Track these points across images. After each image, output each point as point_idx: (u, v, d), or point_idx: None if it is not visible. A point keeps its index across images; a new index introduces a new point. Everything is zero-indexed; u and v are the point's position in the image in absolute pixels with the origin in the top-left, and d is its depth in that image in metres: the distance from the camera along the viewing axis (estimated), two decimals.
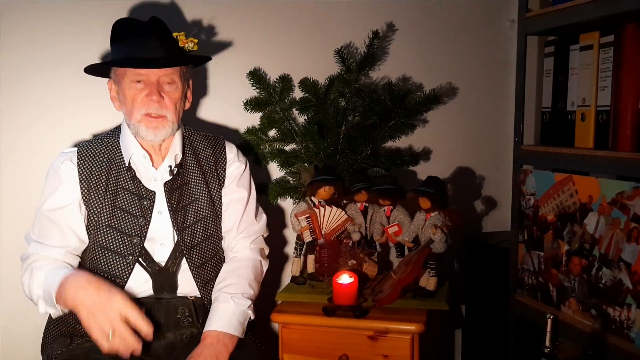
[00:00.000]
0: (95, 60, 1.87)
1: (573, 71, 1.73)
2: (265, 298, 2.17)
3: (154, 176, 1.66)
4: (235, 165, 1.78)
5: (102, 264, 1.60)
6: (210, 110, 2.09)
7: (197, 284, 1.66)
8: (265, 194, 2.04)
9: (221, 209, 1.74)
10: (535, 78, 2.27)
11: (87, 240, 1.63)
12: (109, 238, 1.61)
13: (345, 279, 1.73)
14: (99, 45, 1.89)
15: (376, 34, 2.00)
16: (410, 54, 2.24)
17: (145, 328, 1.45)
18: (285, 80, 2.06)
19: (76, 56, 1.90)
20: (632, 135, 1.56)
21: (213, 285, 1.69)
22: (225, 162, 1.76)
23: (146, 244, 1.62)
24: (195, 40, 1.70)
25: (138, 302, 1.58)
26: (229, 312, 1.61)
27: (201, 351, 1.53)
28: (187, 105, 1.73)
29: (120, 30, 1.62)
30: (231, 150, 1.80)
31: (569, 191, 1.69)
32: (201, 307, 1.67)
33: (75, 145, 1.70)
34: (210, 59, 1.79)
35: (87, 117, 1.95)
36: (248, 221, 1.79)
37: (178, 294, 1.64)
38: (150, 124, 1.60)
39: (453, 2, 2.27)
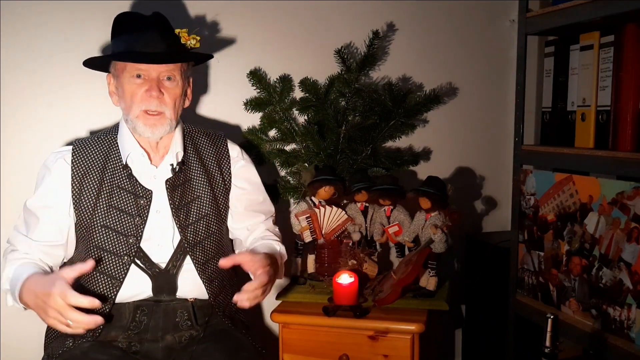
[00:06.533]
0: (95, 54, 1.86)
1: (573, 71, 1.73)
2: (265, 298, 2.17)
3: (154, 174, 1.64)
4: (241, 163, 1.77)
5: (98, 264, 1.57)
6: (210, 110, 2.09)
7: (202, 281, 1.63)
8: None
9: (226, 209, 1.73)
10: (535, 78, 2.27)
11: (68, 240, 1.61)
12: (104, 238, 1.58)
13: (345, 279, 1.72)
14: (98, 40, 1.89)
15: (376, 34, 2.00)
16: (410, 54, 2.24)
17: (87, 302, 1.39)
18: (285, 80, 2.06)
19: (74, 51, 1.89)
20: (632, 135, 1.56)
21: (218, 284, 1.67)
22: (229, 160, 1.75)
23: (143, 244, 1.59)
24: (198, 38, 1.68)
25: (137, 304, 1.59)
26: (276, 246, 1.77)
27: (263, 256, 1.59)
28: (187, 103, 1.70)
29: (122, 24, 1.60)
30: (233, 148, 1.78)
31: (569, 191, 1.69)
32: (200, 309, 1.65)
33: (70, 143, 1.67)
34: (212, 56, 1.77)
35: (85, 114, 1.94)
36: (263, 208, 1.84)
37: (177, 296, 1.62)
38: (148, 121, 1.58)
39: (453, 2, 2.27)
